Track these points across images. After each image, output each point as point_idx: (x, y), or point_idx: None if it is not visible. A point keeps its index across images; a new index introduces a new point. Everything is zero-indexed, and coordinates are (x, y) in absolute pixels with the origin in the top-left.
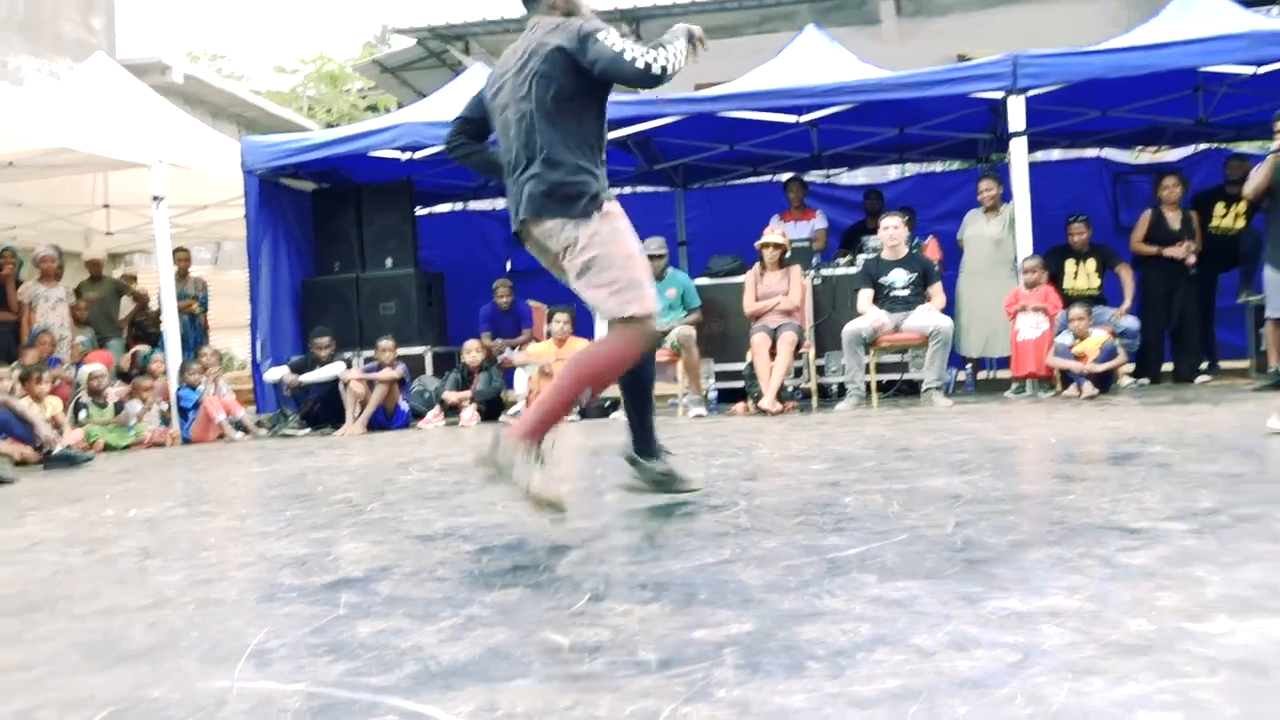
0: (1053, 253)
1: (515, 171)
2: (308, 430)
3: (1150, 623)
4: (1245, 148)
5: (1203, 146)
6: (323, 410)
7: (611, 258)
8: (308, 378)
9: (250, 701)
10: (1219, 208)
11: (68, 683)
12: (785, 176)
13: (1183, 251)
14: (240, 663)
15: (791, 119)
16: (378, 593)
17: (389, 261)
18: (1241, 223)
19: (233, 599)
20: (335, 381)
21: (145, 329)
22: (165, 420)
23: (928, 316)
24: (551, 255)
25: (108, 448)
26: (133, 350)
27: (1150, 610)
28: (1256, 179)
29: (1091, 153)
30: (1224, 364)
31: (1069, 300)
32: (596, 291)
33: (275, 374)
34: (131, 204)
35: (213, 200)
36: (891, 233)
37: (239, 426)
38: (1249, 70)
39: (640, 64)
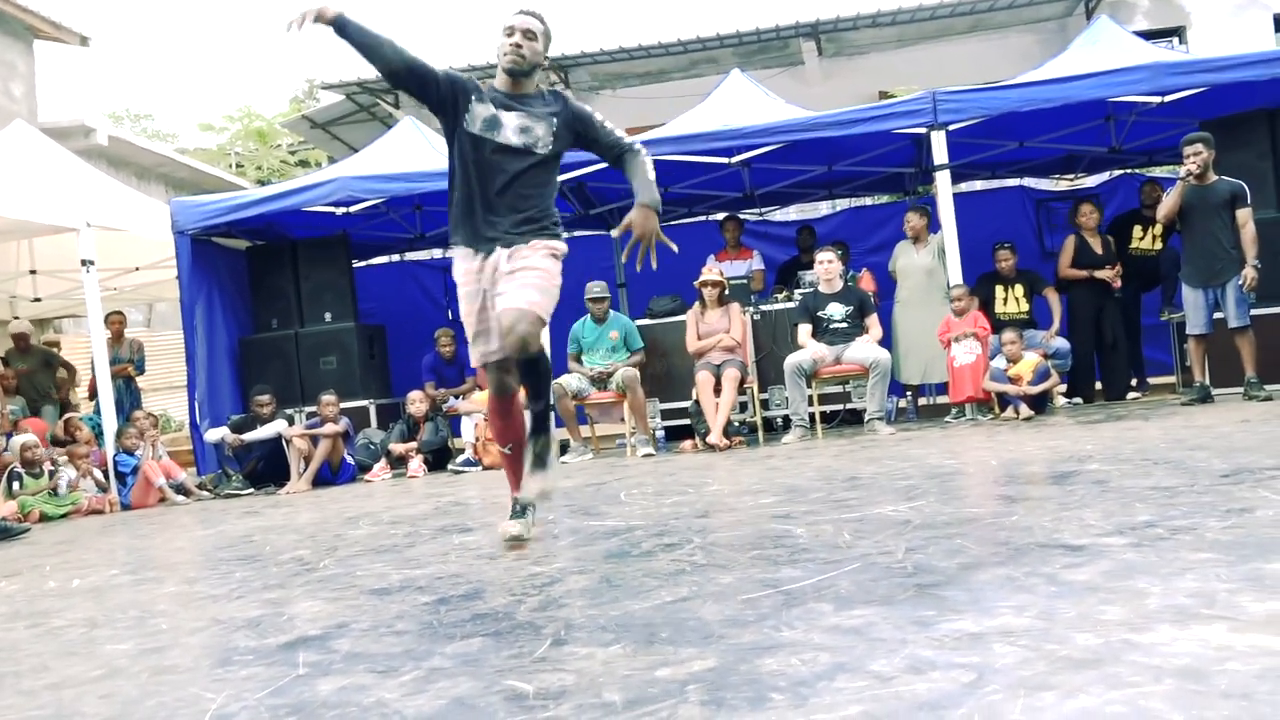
0: (982, 280)
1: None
2: (251, 490)
3: (1097, 636)
4: (1158, 172)
5: (1118, 172)
6: (266, 468)
7: None
8: (250, 436)
9: None
10: (1136, 230)
11: None
12: (721, 216)
13: (1111, 274)
14: None
15: (723, 160)
16: (337, 650)
17: (328, 316)
18: (1159, 244)
19: (187, 665)
20: (278, 439)
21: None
22: (103, 488)
23: (867, 348)
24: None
25: (44, 518)
26: (65, 417)
27: (1096, 624)
28: (1168, 204)
29: (1013, 182)
30: (1152, 380)
31: (1000, 325)
32: None
33: (216, 434)
34: (59, 268)
35: (144, 262)
36: (826, 267)
37: (180, 490)
38: (1156, 99)
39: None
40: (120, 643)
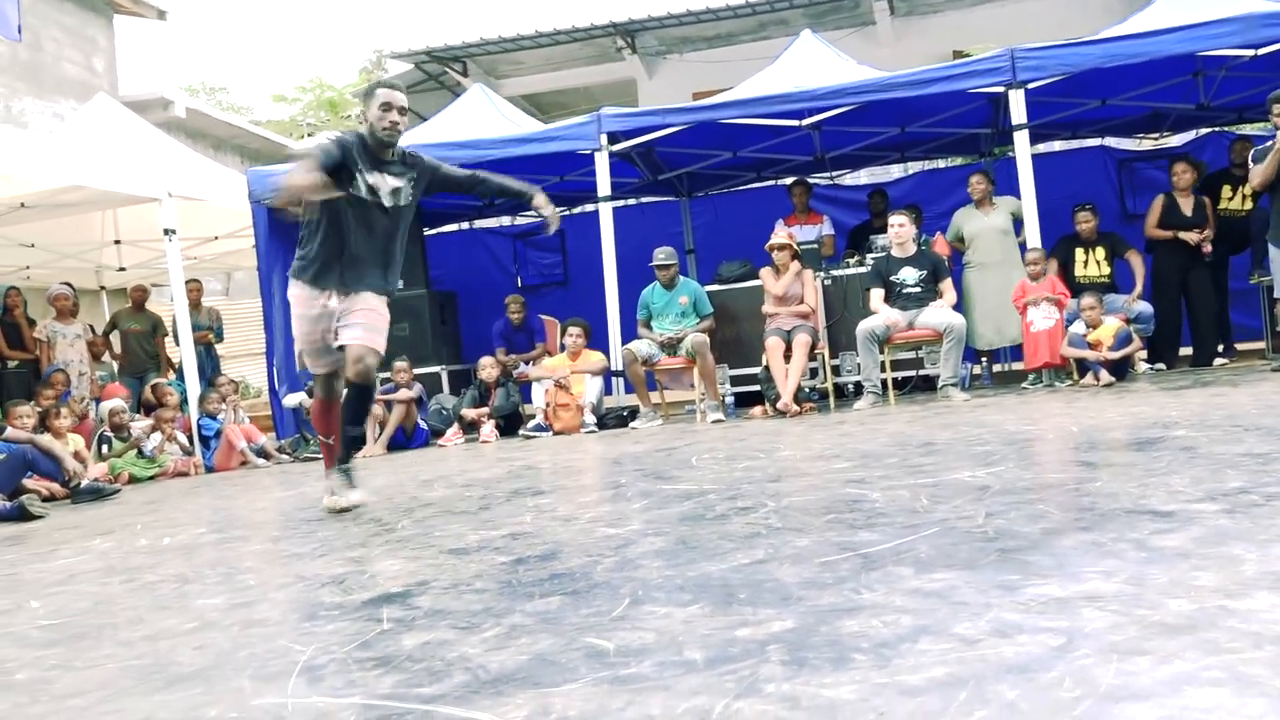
0: (1061, 242)
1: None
2: None
3: (1191, 602)
4: (1248, 129)
5: (1205, 130)
6: None
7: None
8: None
9: (307, 715)
10: (1225, 190)
11: (123, 706)
12: (789, 180)
13: (1197, 236)
14: (292, 679)
15: (793, 123)
16: (419, 606)
17: (400, 283)
18: (1249, 204)
19: (276, 619)
20: None
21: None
22: (187, 451)
23: (941, 313)
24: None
25: (133, 479)
26: (153, 383)
27: (1190, 590)
28: (1263, 172)
29: (1094, 142)
30: (1240, 345)
31: (1080, 289)
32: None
33: (294, 399)
34: (142, 238)
35: (222, 231)
36: (899, 230)
37: (261, 453)
38: (1248, 53)
39: None
40: (211, 597)
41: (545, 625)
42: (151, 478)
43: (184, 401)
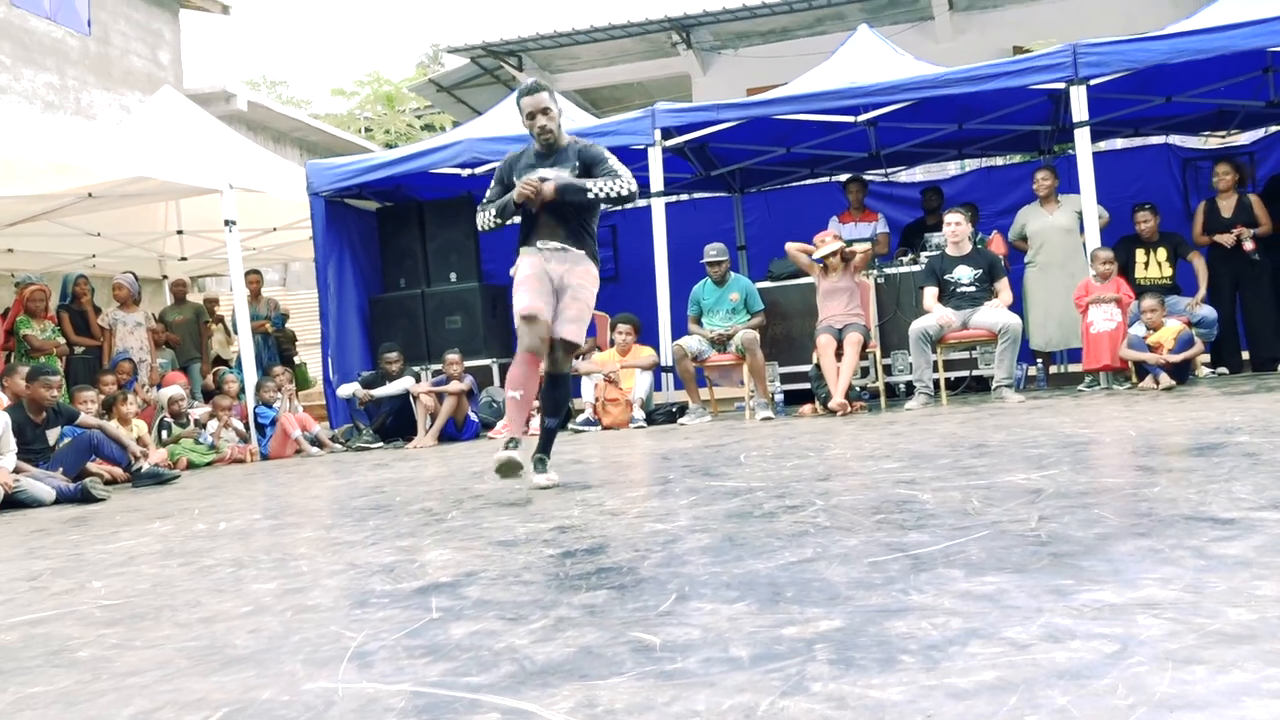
0: (1122, 242)
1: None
2: (380, 444)
3: (1251, 612)
4: None
5: (1274, 129)
6: (394, 423)
7: None
8: (379, 392)
9: (357, 701)
10: None
11: (181, 686)
12: (844, 177)
13: (1230, 239)
14: (343, 665)
15: (848, 119)
16: (467, 596)
17: (453, 276)
18: None
19: (328, 605)
20: (406, 395)
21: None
22: (244, 438)
23: (996, 313)
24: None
25: (191, 465)
26: (214, 370)
27: (1250, 600)
28: None
29: (1158, 139)
30: None
31: (1141, 290)
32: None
33: (347, 390)
34: (203, 229)
35: (280, 223)
36: (955, 229)
37: (315, 442)
38: None
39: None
40: (265, 582)
41: (592, 618)
42: (209, 464)
43: (242, 390)
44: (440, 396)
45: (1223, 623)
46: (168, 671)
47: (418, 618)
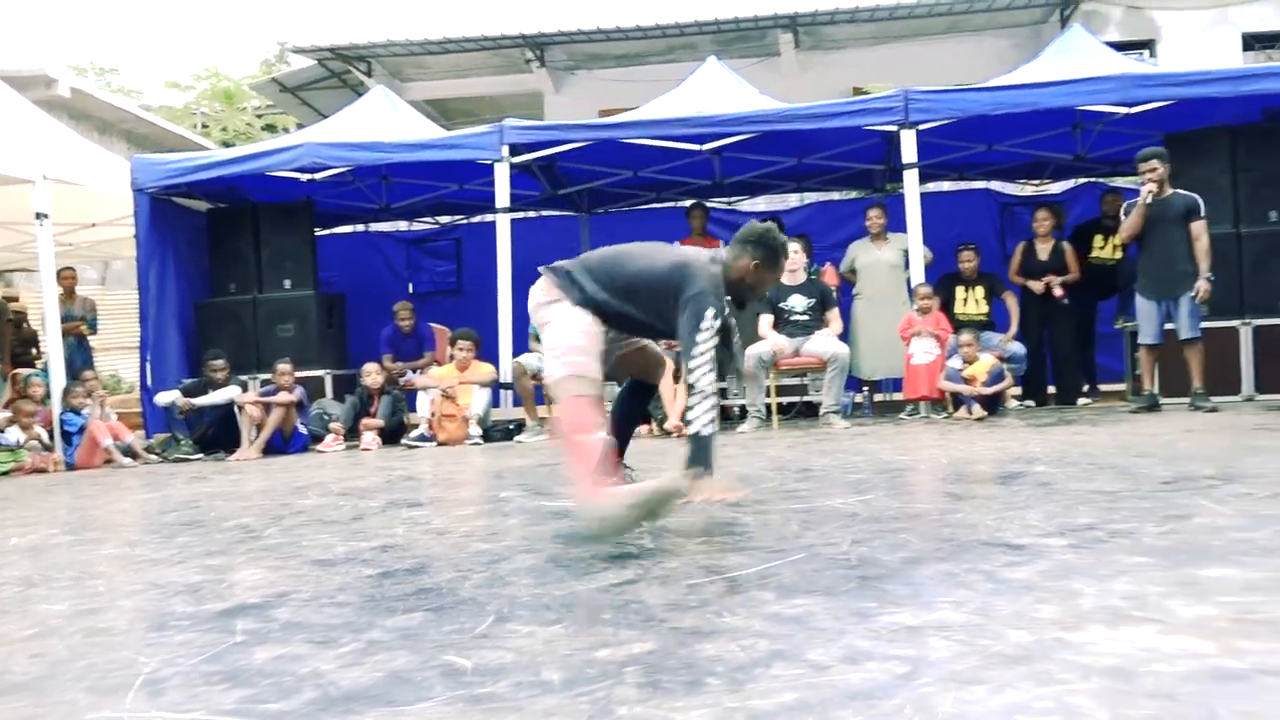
0: (944, 280)
1: None
2: (201, 455)
3: (1030, 634)
4: (1120, 182)
5: (1081, 180)
6: (217, 434)
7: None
8: (202, 401)
9: None
10: (1097, 239)
11: None
12: (688, 203)
13: (1040, 286)
14: (131, 693)
15: (694, 147)
16: (275, 619)
17: (287, 283)
18: (1119, 254)
19: (122, 628)
20: (230, 405)
21: (21, 357)
22: (47, 446)
23: (826, 342)
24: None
25: None
26: (11, 374)
27: (1030, 622)
28: (1130, 226)
29: (979, 184)
30: (1104, 387)
31: (959, 325)
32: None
33: (166, 397)
34: (12, 220)
35: (101, 218)
36: (791, 258)
37: (127, 452)
38: (1122, 110)
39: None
40: (55, 603)
41: (405, 641)
42: (5, 473)
43: (48, 395)
44: (268, 407)
45: (1004, 644)
46: None
47: (219, 641)
